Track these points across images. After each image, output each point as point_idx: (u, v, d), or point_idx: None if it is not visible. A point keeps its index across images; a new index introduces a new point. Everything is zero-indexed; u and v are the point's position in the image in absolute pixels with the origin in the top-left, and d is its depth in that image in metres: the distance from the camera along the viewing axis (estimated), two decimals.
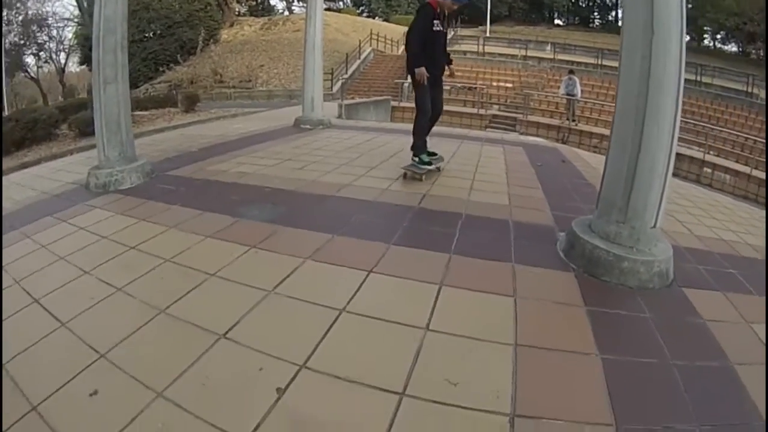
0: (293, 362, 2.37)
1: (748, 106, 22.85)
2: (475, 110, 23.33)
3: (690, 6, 46.34)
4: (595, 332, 2.63)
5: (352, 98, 22.11)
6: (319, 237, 3.99)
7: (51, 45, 50.19)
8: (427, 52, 5.84)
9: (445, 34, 6.28)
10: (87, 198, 5.88)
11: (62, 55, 51.91)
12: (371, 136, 9.58)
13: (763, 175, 14.82)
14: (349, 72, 30.92)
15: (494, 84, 27.12)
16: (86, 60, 41.71)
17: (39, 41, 49.33)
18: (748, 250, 4.47)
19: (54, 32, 48.76)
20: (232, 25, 43.00)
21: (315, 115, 11.21)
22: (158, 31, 37.06)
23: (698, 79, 25.76)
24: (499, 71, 29.28)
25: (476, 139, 9.80)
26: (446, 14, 6.18)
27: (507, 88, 26.83)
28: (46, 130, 15.57)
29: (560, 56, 32.40)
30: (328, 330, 2.63)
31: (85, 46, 39.24)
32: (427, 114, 6.00)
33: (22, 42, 47.85)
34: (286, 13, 61.74)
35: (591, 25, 58.43)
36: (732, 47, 47.06)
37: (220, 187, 5.77)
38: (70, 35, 48.90)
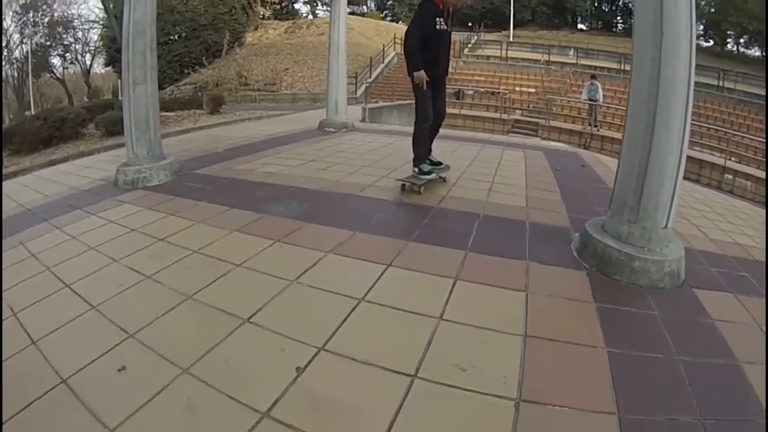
0: (313, 345, 2.51)
1: None
2: (497, 115, 23.35)
3: (713, 10, 45.65)
4: (603, 327, 2.69)
5: (376, 102, 22.23)
6: (341, 233, 4.14)
7: (76, 46, 50.86)
8: (429, 52, 5.46)
9: (450, 34, 5.78)
10: (116, 193, 6.06)
11: (87, 57, 52.61)
12: (394, 140, 9.67)
13: None
14: (373, 76, 30.97)
15: (517, 89, 27.11)
16: (111, 61, 42.09)
17: (65, 43, 50.08)
18: (763, 254, 4.47)
19: (79, 34, 49.42)
20: (256, 29, 43.20)
21: (339, 118, 11.32)
22: (183, 34, 37.33)
23: (720, 84, 25.38)
24: (521, 76, 29.23)
25: (498, 143, 9.87)
26: (450, 12, 5.67)
27: (530, 93, 26.82)
28: (73, 129, 15.77)
29: (583, 61, 31.99)
30: (347, 317, 2.77)
31: (110, 48, 39.59)
32: (428, 120, 5.64)
33: (48, 43, 48.56)
34: (310, 17, 61.87)
35: (614, 29, 57.87)
36: (755, 51, 45.54)
37: (246, 186, 5.91)
38: (95, 37, 49.41)
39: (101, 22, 44.94)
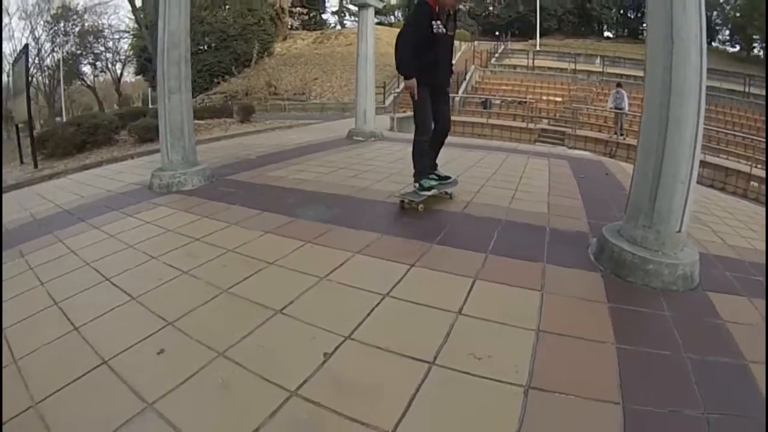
0: (340, 334, 2.69)
1: None
2: (524, 124, 23.34)
3: (738, 14, 44.88)
4: (614, 325, 2.78)
5: (404, 111, 22.38)
6: (368, 235, 4.33)
7: (107, 55, 51.59)
8: (426, 58, 5.07)
9: (451, 38, 5.34)
10: (151, 197, 6.29)
11: (118, 65, 53.36)
12: None
13: None
14: (401, 86, 31.09)
15: (544, 98, 27.05)
16: (142, 70, 42.48)
17: (95, 51, 50.84)
18: None
19: (110, 43, 50.12)
20: (285, 39, 43.42)
21: (367, 128, 11.49)
22: (213, 44, 37.63)
23: (746, 90, 25.08)
24: (548, 85, 29.18)
25: (524, 152, 9.99)
26: (451, 13, 5.23)
27: (556, 102, 26.71)
28: (106, 135, 16.10)
29: (609, 69, 31.90)
30: (372, 310, 2.95)
31: (140, 57, 40.01)
32: (427, 132, 5.30)
33: (79, 52, 49.32)
34: (338, 27, 62.06)
35: (640, 36, 57.21)
36: None
37: (277, 191, 6.08)
38: (125, 46, 50.02)
39: (132, 32, 45.59)
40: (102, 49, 51.70)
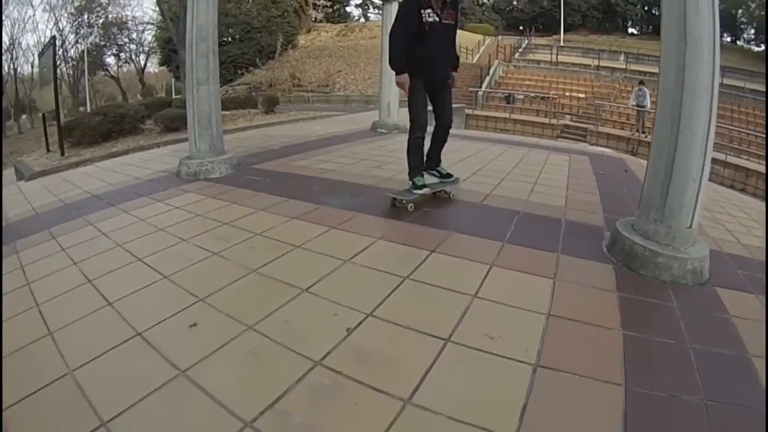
0: (362, 311, 2.86)
1: None
2: (546, 120, 23.37)
3: (763, 13, 44.06)
4: (622, 313, 2.88)
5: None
6: (391, 223, 4.58)
7: (131, 47, 52.17)
8: (421, 50, 4.78)
9: (449, 27, 4.92)
10: (179, 184, 6.46)
11: (142, 57, 53.92)
12: None
13: None
14: None
15: (567, 94, 26.93)
16: (166, 61, 42.73)
17: (119, 43, 51.44)
18: None
19: (134, 35, 50.65)
20: (309, 31, 43.48)
21: (391, 120, 11.58)
22: (237, 36, 37.81)
23: None
24: (571, 81, 29.02)
25: (545, 147, 10.06)
26: (446, 1, 4.79)
27: (579, 98, 26.58)
28: (132, 125, 16.36)
29: (633, 66, 31.56)
30: (393, 291, 3.12)
31: (165, 48, 40.27)
32: (422, 128, 5.04)
33: (102, 43, 49.91)
34: (362, 20, 61.89)
35: None
36: None
37: (302, 180, 6.22)
38: (149, 38, 50.50)
39: (156, 24, 45.94)
40: (126, 40, 52.34)
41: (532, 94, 27.10)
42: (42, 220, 5.62)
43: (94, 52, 50.19)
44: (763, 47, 47.12)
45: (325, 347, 2.55)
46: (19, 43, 58.91)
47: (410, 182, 5.13)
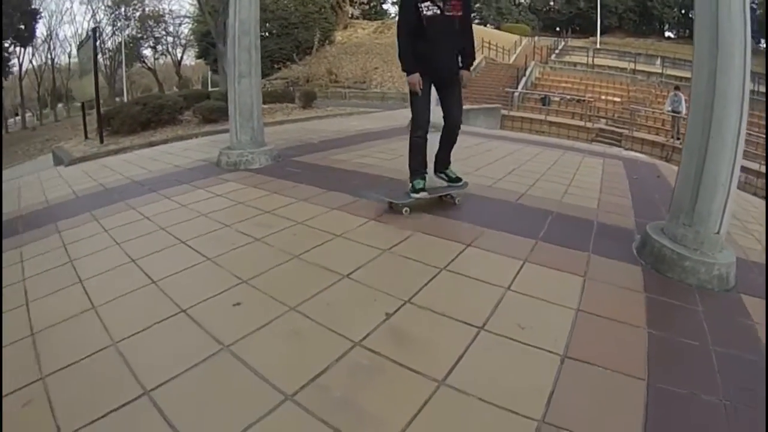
0: (400, 298, 3.00)
1: None
2: (582, 123, 23.25)
3: None
4: (648, 312, 2.96)
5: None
6: (428, 217, 4.66)
7: (168, 39, 52.94)
8: (420, 45, 4.55)
9: (453, 19, 4.56)
10: (219, 173, 6.65)
11: (178, 49, 54.64)
12: (479, 141, 9.97)
13: None
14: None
15: (602, 97, 26.64)
16: (203, 54, 43.17)
17: (156, 35, 52.21)
18: None
19: (170, 28, 51.40)
20: (345, 28, 43.51)
21: None
22: (274, 31, 37.95)
23: None
24: (607, 84, 28.72)
25: (579, 150, 10.09)
26: None
27: (615, 102, 26.28)
28: (171, 115, 16.60)
29: (669, 71, 31.26)
30: (430, 280, 3.26)
31: (202, 41, 40.62)
32: (421, 127, 4.83)
33: (139, 35, 50.71)
34: None
35: None
36: None
37: (341, 173, 6.35)
38: (186, 31, 51.19)
39: (194, 18, 46.44)
40: (162, 33, 53.08)
41: (568, 97, 26.93)
42: (83, 203, 5.80)
43: (131, 44, 51.01)
44: None
45: (365, 329, 2.67)
46: (57, 34, 60.22)
47: (410, 185, 4.91)
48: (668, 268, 3.58)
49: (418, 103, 4.76)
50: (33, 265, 4.00)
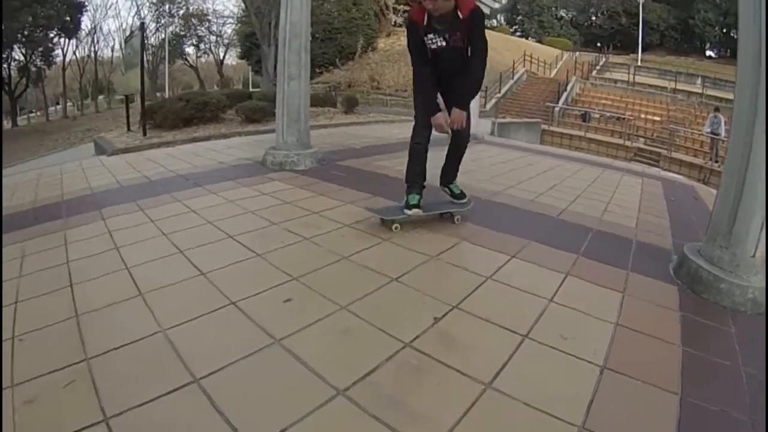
0: (448, 303, 3.10)
1: None
2: (621, 141, 23.21)
3: None
4: (683, 330, 3.01)
5: (503, 117, 22.53)
6: (473, 227, 4.76)
7: (211, 38, 53.74)
8: (429, 72, 4.41)
9: (460, 49, 4.33)
10: (264, 172, 6.82)
11: (221, 49, 55.38)
12: (520, 155, 10.11)
13: None
14: (502, 91, 31.17)
15: (642, 116, 26.53)
16: (245, 55, 43.34)
17: (199, 34, 52.98)
18: None
19: (214, 27, 52.16)
20: (389, 35, 43.44)
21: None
22: (318, 36, 38.01)
23: None
24: (647, 103, 28.58)
25: (618, 169, 10.12)
26: (457, 18, 4.18)
27: (654, 121, 26.12)
28: (214, 113, 16.74)
29: (709, 91, 30.86)
30: (476, 288, 3.37)
31: (245, 42, 40.96)
32: (422, 134, 4.59)
33: (182, 33, 51.51)
34: None
35: None
36: None
37: (384, 179, 6.47)
38: (229, 31, 51.82)
39: (238, 18, 46.90)
40: (206, 32, 53.83)
41: (608, 114, 26.87)
42: (127, 192, 5.97)
43: (174, 42, 51.74)
44: None
45: (414, 331, 2.76)
46: (101, 28, 61.37)
47: (405, 198, 4.62)
48: (704, 289, 3.60)
49: (419, 108, 4.57)
50: (77, 249, 4.12)
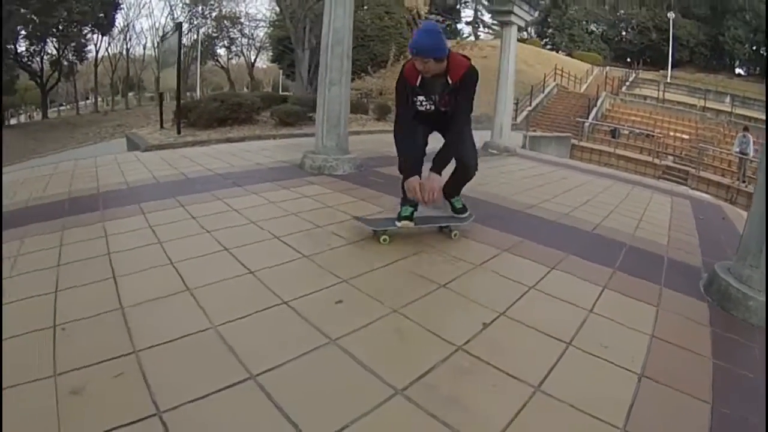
0: (495, 310, 3.24)
1: None
2: (650, 159, 23.18)
3: None
4: (713, 345, 3.12)
5: (534, 131, 22.58)
6: (512, 238, 4.88)
7: (242, 41, 54.20)
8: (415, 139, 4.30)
9: (451, 114, 4.29)
10: (303, 175, 7.05)
11: (252, 51, 55.80)
12: (552, 169, 10.29)
13: None
14: (533, 104, 31.21)
15: (671, 134, 26.44)
16: (277, 58, 43.37)
17: (231, 36, 53.47)
18: None
19: (246, 30, 52.54)
20: None
21: (502, 142, 11.93)
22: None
23: None
24: (676, 120, 28.47)
25: (647, 186, 10.29)
26: (451, 83, 4.10)
27: (683, 139, 25.98)
28: (248, 114, 17.14)
29: (738, 110, 30.71)
30: (521, 297, 3.52)
31: (278, 46, 41.17)
32: (402, 153, 4.35)
33: (215, 35, 51.99)
34: (472, 38, 61.90)
35: None
36: None
37: None
38: (261, 34, 52.14)
39: (270, 22, 47.12)
40: (238, 34, 54.26)
41: (637, 131, 26.85)
42: (166, 188, 6.14)
43: (206, 43, 52.18)
44: None
45: (465, 335, 2.88)
46: (133, 26, 62.27)
47: (399, 209, 4.54)
48: (733, 306, 3.69)
49: (403, 134, 4.38)
50: (118, 241, 4.21)
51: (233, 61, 61.11)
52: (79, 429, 1.99)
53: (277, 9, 36.52)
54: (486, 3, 62.40)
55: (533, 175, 9.33)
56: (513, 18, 12.02)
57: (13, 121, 48.75)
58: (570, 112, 31.82)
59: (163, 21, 52.44)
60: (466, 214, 4.88)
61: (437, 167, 4.14)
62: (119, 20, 49.66)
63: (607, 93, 33.98)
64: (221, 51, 57.81)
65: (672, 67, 47.39)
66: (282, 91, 48.99)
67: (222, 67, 59.17)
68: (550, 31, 66.72)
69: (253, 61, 59.75)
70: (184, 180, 6.73)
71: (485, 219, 5.34)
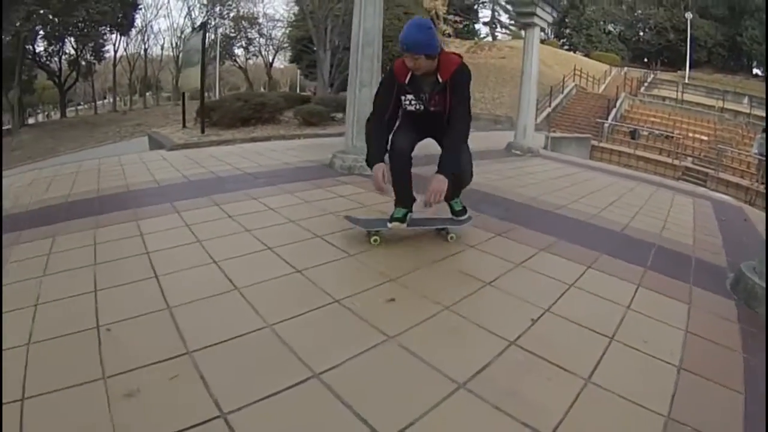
0: (540, 306, 3.40)
1: None
2: (669, 160, 23.09)
3: None
4: (743, 340, 3.27)
5: (553, 131, 22.61)
6: (547, 238, 5.01)
7: (260, 41, 54.32)
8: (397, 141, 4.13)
9: (439, 115, 4.05)
10: (333, 175, 7.29)
11: (270, 52, 55.92)
12: (576, 170, 10.41)
13: None
14: (552, 105, 31.33)
15: (690, 135, 26.28)
16: (296, 59, 43.36)
17: (249, 36, 53.61)
18: None
19: (264, 30, 52.65)
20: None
21: (526, 143, 12.01)
22: None
23: None
24: (695, 122, 28.32)
25: (669, 188, 10.43)
26: (443, 82, 3.90)
27: (702, 140, 25.86)
28: (271, 114, 17.30)
29: (756, 111, 30.30)
30: (563, 294, 3.67)
31: (297, 46, 41.30)
32: (392, 149, 4.17)
33: (233, 35, 52.18)
34: (490, 38, 61.96)
35: None
36: None
37: None
38: (279, 34, 52.17)
39: (289, 22, 47.14)
40: (256, 35, 54.41)
41: (657, 132, 26.83)
42: (198, 187, 6.26)
43: (224, 43, 52.38)
44: None
45: (516, 331, 2.99)
46: (151, 27, 62.73)
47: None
48: (758, 304, 3.82)
49: (397, 131, 4.23)
50: (155, 240, 4.28)
51: (251, 62, 61.31)
52: None
53: (296, 9, 36.53)
54: (506, 4, 62.12)
55: (558, 176, 9.46)
56: (535, 19, 12.16)
57: (30, 121, 49.09)
58: (589, 113, 31.78)
59: (181, 21, 52.70)
60: (464, 217, 4.74)
61: (444, 170, 3.89)
62: (138, 20, 50.02)
63: (626, 94, 33.93)
64: (239, 51, 58.09)
65: (690, 68, 47.19)
66: (299, 90, 49.11)
67: (240, 67, 59.38)
68: (567, 31, 66.36)
69: (271, 61, 59.92)
70: (215, 179, 6.85)
71: (519, 220, 5.52)
